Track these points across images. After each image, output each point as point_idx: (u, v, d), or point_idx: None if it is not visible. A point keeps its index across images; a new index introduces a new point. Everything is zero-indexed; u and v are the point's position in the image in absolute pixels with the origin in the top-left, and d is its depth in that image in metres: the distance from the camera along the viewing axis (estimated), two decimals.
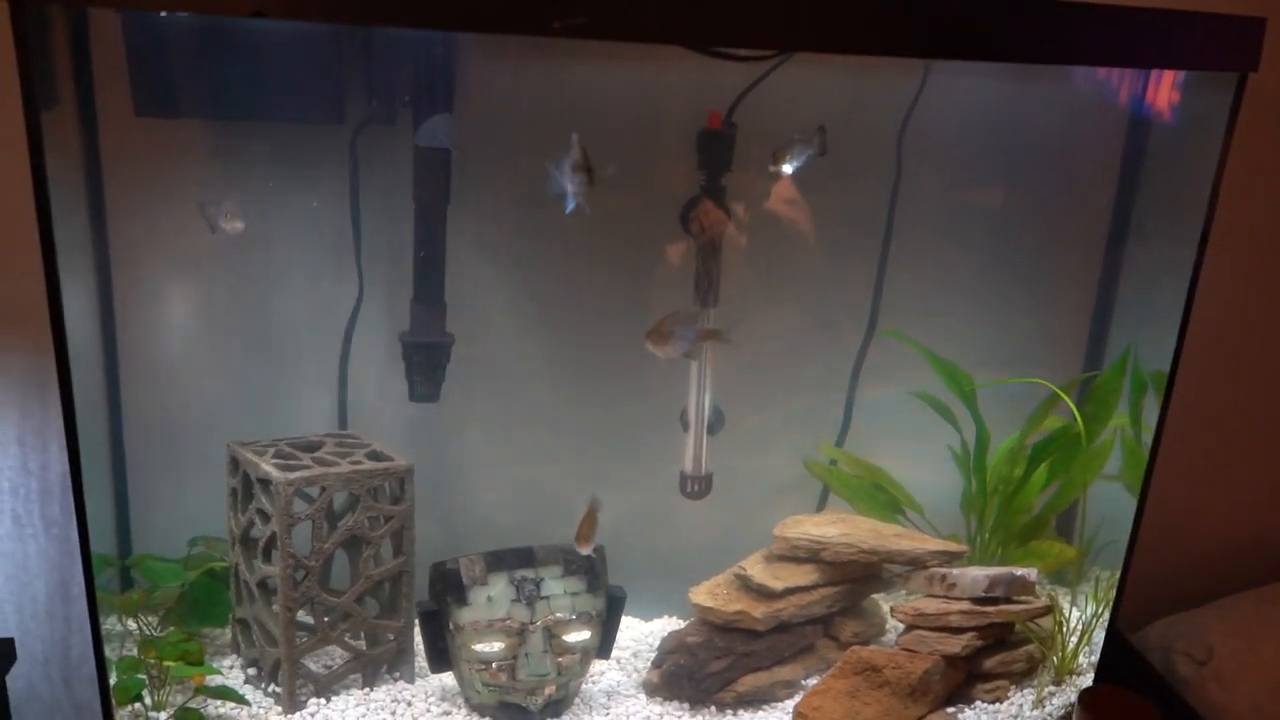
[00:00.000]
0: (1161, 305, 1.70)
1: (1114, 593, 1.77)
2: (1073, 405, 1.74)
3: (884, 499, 1.93)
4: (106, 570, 1.72)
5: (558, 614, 1.63)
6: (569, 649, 1.63)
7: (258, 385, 1.82)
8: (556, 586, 1.65)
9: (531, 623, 1.61)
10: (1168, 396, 1.65)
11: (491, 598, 1.62)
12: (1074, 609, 1.86)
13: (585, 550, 1.61)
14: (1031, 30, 1.39)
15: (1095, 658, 1.81)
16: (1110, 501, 1.86)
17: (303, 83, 1.68)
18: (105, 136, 1.62)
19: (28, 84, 1.22)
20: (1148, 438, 1.71)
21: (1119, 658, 1.86)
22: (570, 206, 1.49)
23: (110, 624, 1.71)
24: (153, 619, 1.72)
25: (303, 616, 1.64)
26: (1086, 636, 1.78)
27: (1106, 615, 1.79)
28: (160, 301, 1.75)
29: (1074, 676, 1.78)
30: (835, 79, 1.81)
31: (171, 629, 1.66)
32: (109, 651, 1.64)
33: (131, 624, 1.72)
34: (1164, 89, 1.74)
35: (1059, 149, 1.88)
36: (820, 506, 2.03)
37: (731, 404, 1.90)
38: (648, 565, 1.95)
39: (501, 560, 1.64)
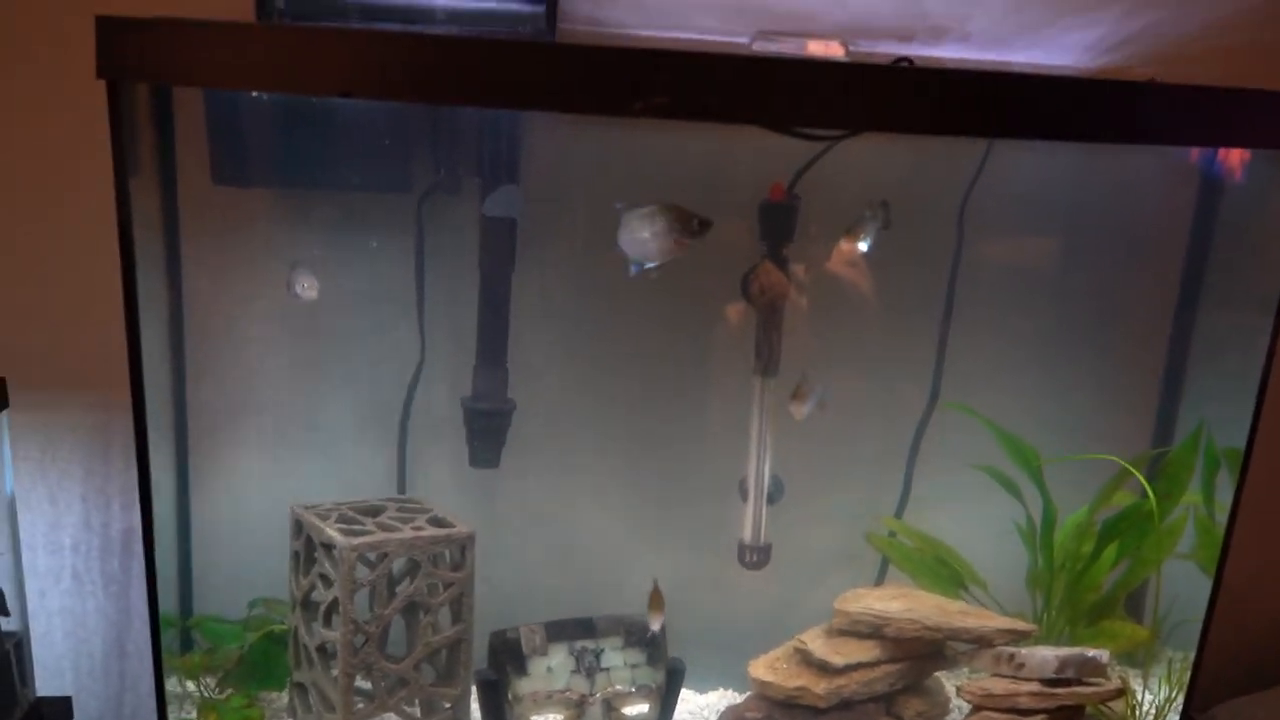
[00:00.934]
0: (1233, 379, 1.67)
1: (1187, 675, 1.72)
2: (1145, 482, 1.71)
3: (946, 573, 1.90)
4: (168, 630, 1.72)
5: (617, 686, 1.62)
6: None
7: (320, 447, 1.84)
8: (617, 658, 1.64)
9: (591, 694, 1.60)
10: (1243, 474, 1.61)
11: (551, 668, 1.61)
12: (1146, 692, 1.80)
13: (657, 624, 1.59)
14: (1095, 109, 1.39)
15: None
16: (1182, 581, 1.81)
17: (371, 153, 1.72)
18: (184, 203, 1.66)
19: (119, 156, 1.26)
20: (1221, 516, 1.67)
21: None
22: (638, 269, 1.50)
23: (170, 685, 1.71)
24: (211, 680, 1.72)
25: (361, 683, 1.64)
26: None
27: (1180, 699, 1.73)
28: (229, 362, 1.78)
29: None
30: (898, 151, 1.82)
31: (231, 692, 1.66)
32: (169, 714, 1.64)
33: (190, 685, 1.73)
34: (1236, 157, 1.73)
35: (1125, 217, 1.86)
36: (880, 579, 2.00)
37: (791, 474, 1.89)
38: (704, 636, 1.92)
39: (562, 630, 1.63)
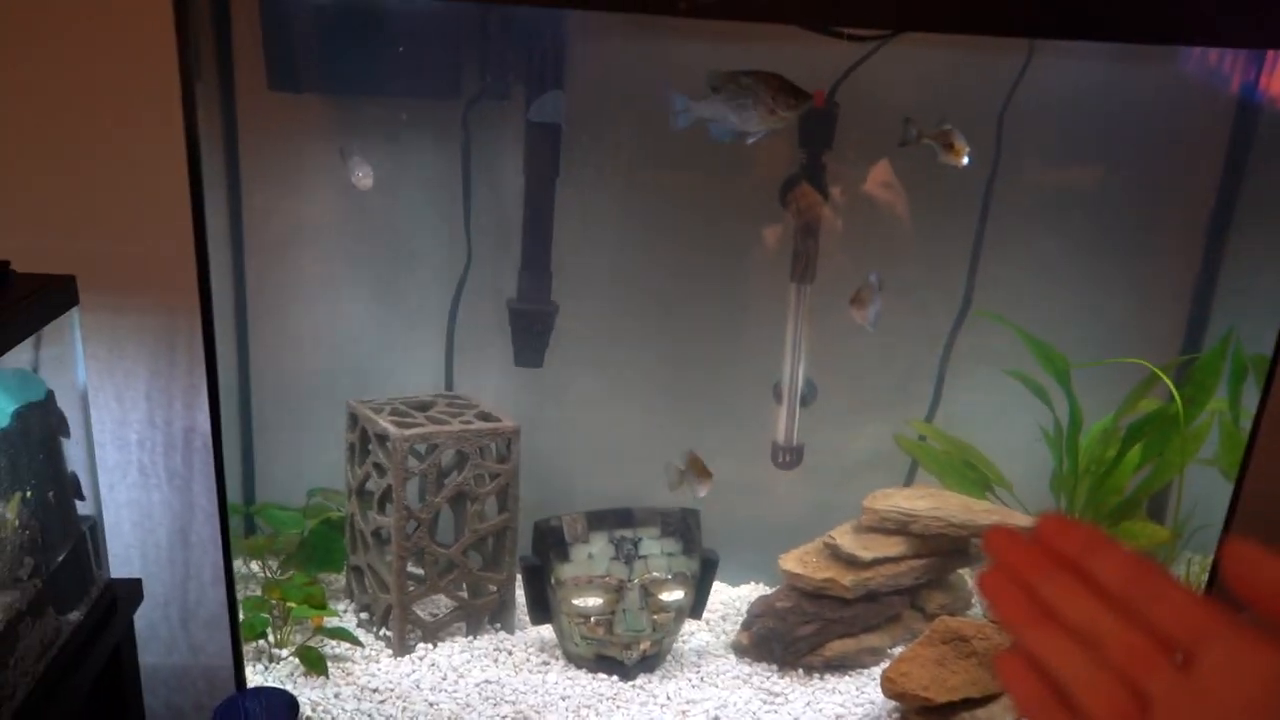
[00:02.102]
0: (1265, 289, 1.69)
1: (1206, 577, 1.78)
2: (1172, 385, 1.75)
3: (973, 476, 1.96)
4: (233, 517, 1.83)
5: (654, 573, 1.70)
6: (664, 607, 1.70)
7: (373, 346, 1.92)
8: (654, 546, 1.72)
9: (629, 580, 1.69)
10: (1269, 381, 1.64)
11: (592, 555, 1.70)
12: None
13: (704, 490, 1.65)
14: (1140, 8, 1.39)
15: None
16: (1206, 486, 1.86)
17: (421, 59, 1.75)
18: (242, 109, 1.72)
19: (185, 62, 1.32)
20: (1246, 423, 1.70)
21: None
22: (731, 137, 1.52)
23: (236, 566, 1.83)
24: (274, 563, 1.84)
25: (412, 567, 1.74)
26: None
27: None
28: (286, 266, 1.85)
29: None
30: (938, 59, 1.83)
31: (293, 573, 1.77)
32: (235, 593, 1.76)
33: (255, 567, 1.84)
34: (1274, 74, 1.72)
35: (1163, 130, 1.87)
36: (909, 481, 2.06)
37: (825, 378, 1.94)
38: (737, 533, 2.00)
39: (602, 520, 1.72)
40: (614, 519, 1.72)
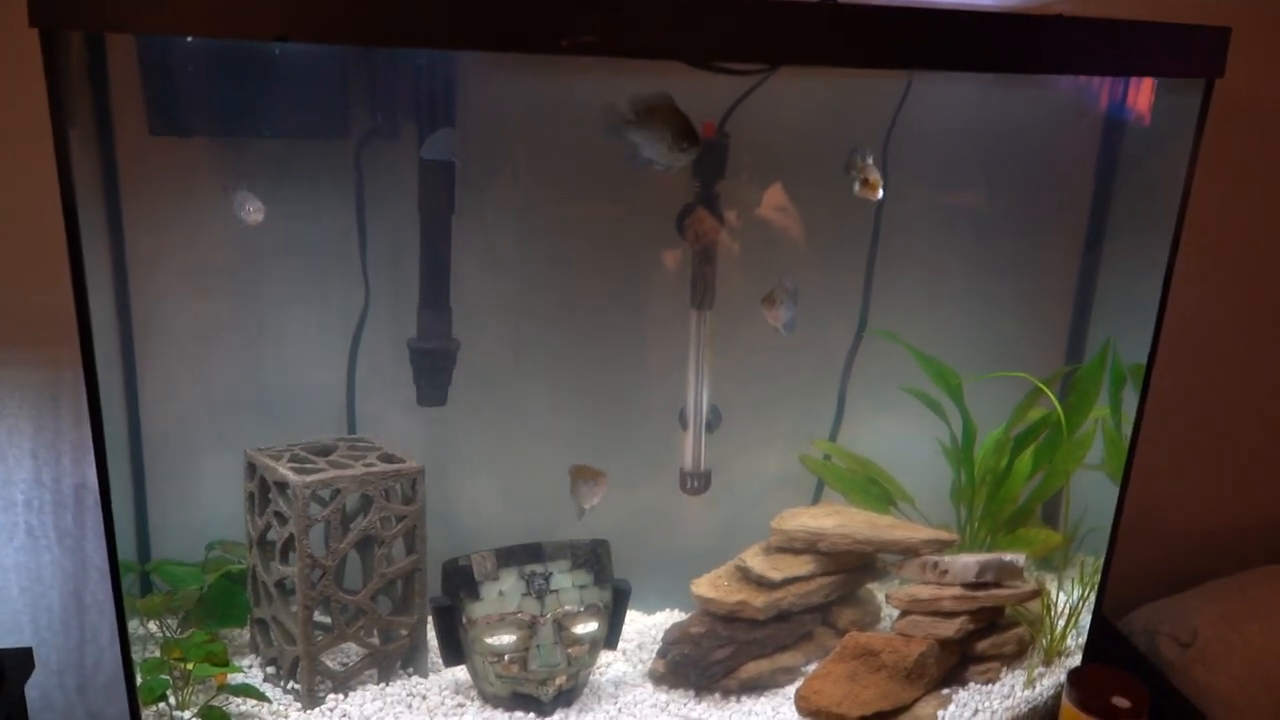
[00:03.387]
0: (1138, 300, 1.77)
1: (1099, 577, 1.84)
2: (1053, 396, 1.82)
3: (877, 491, 2.00)
4: (127, 576, 1.77)
5: (567, 606, 1.70)
6: (578, 640, 1.69)
7: (269, 392, 1.88)
8: (565, 580, 1.72)
9: (542, 615, 1.68)
10: (1145, 387, 1.73)
11: (503, 592, 1.68)
12: (1061, 593, 1.93)
13: (594, 499, 1.65)
14: (1009, 41, 1.47)
15: (1083, 640, 1.88)
16: (1094, 490, 1.94)
17: (309, 99, 1.73)
18: (122, 155, 1.67)
19: (57, 107, 1.28)
20: (1128, 428, 1.78)
21: (1105, 641, 1.93)
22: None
23: (133, 627, 1.76)
24: (172, 622, 1.77)
25: (320, 616, 1.70)
26: (1074, 619, 1.86)
27: (1093, 599, 1.86)
28: (175, 312, 1.80)
29: (1062, 658, 1.86)
30: (823, 87, 1.89)
31: (193, 630, 1.71)
32: (133, 655, 1.69)
33: (153, 627, 1.78)
34: (1139, 93, 1.82)
35: (1038, 151, 1.95)
36: (816, 500, 2.10)
37: (728, 403, 1.97)
38: (650, 561, 2.01)
39: (511, 556, 1.70)
40: (523, 554, 1.71)
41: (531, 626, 1.67)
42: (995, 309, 2.01)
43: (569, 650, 1.68)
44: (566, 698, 1.71)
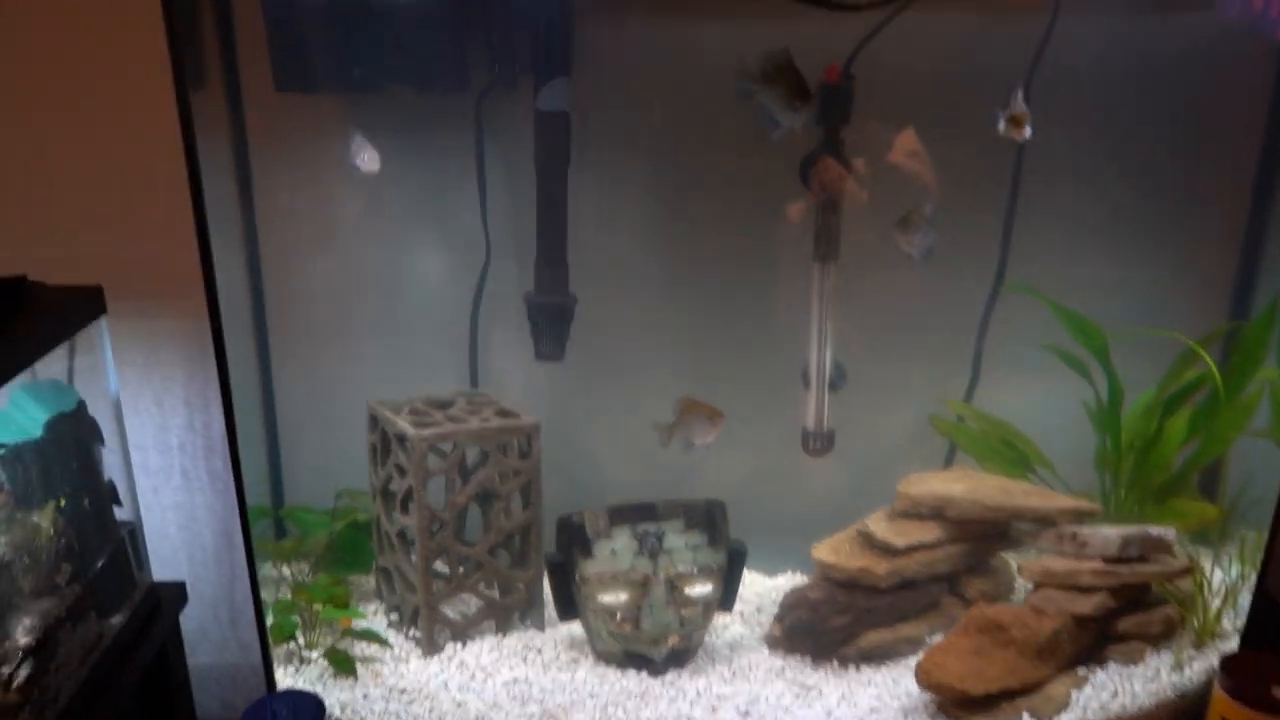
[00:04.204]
0: None
1: (1262, 554, 1.69)
2: (1207, 357, 1.66)
3: (1013, 455, 1.89)
4: (262, 520, 1.85)
5: (680, 567, 1.67)
6: (691, 601, 1.67)
7: (395, 346, 1.91)
8: (678, 540, 1.69)
9: (654, 575, 1.66)
10: None
11: (615, 550, 1.67)
12: (1218, 570, 1.78)
13: (710, 436, 1.60)
14: None
15: (1241, 623, 1.73)
16: (1260, 458, 1.77)
17: (428, 52, 1.73)
18: (250, 112, 1.71)
19: (178, 66, 1.31)
20: None
21: (1270, 623, 1.77)
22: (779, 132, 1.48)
23: (267, 570, 1.84)
24: (304, 566, 1.84)
25: (441, 566, 1.73)
26: (1231, 599, 1.71)
27: (1253, 578, 1.71)
28: (304, 268, 1.85)
29: (1217, 641, 1.71)
30: (957, 24, 1.76)
31: (320, 575, 1.77)
32: (267, 595, 1.77)
33: (286, 570, 1.85)
34: None
35: (1202, 82, 1.77)
36: (948, 463, 2.00)
37: (856, 361, 1.89)
38: (773, 522, 1.96)
39: (624, 514, 1.69)
40: (636, 513, 1.69)
41: (644, 585, 1.65)
42: (1149, 260, 1.85)
43: (682, 611, 1.66)
44: (679, 658, 1.70)
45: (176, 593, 1.64)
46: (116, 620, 1.47)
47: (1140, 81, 1.77)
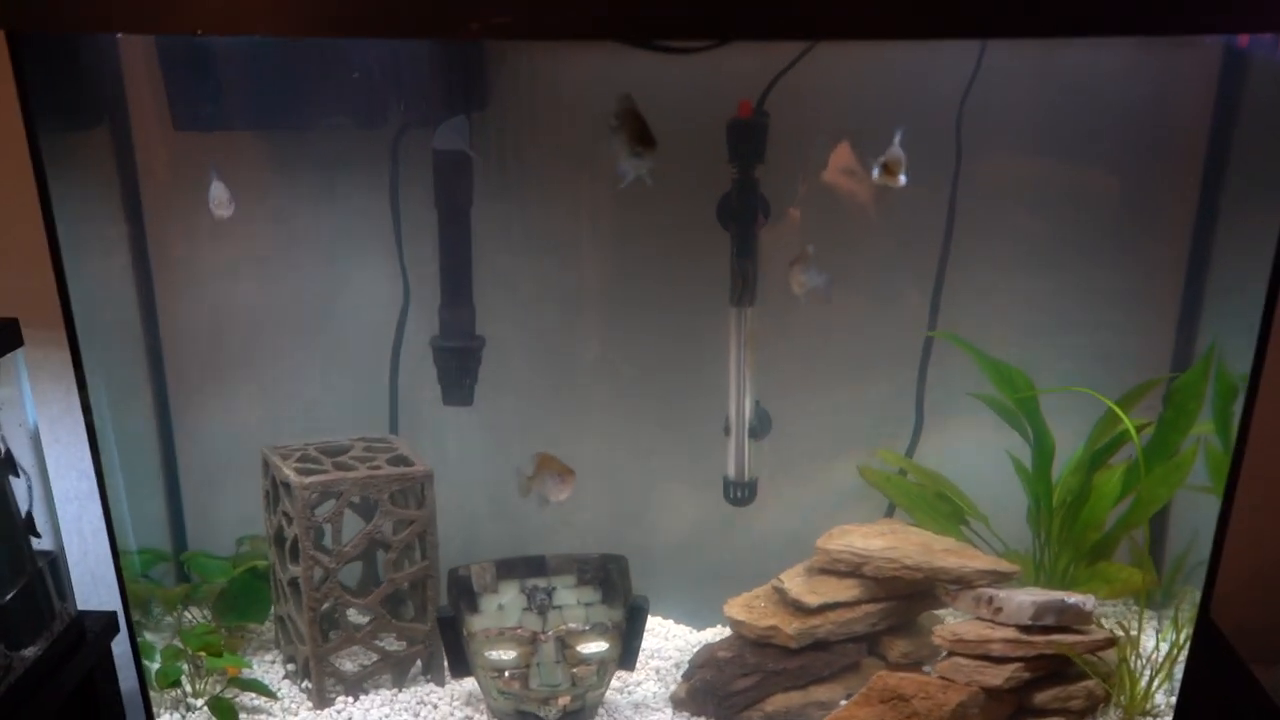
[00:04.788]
0: (1255, 298, 1.48)
1: (1195, 624, 1.57)
2: (1123, 415, 1.55)
3: (947, 509, 1.79)
4: (158, 564, 1.81)
5: (570, 624, 1.60)
6: (583, 659, 1.59)
7: (314, 390, 1.87)
8: (569, 596, 1.62)
9: (543, 632, 1.58)
10: (1251, 398, 1.44)
11: (503, 605, 1.60)
12: (1156, 635, 1.66)
13: (562, 494, 1.54)
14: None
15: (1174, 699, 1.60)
16: (1207, 514, 1.65)
17: (340, 90, 1.70)
18: (144, 152, 1.69)
19: (25, 107, 1.29)
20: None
21: (1238, 697, 1.62)
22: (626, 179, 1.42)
23: (163, 614, 1.80)
24: (202, 612, 1.80)
25: (354, 617, 1.68)
26: (1166, 671, 1.59)
27: (1185, 648, 1.58)
28: (209, 307, 1.81)
29: (1148, 719, 1.59)
30: (881, 56, 1.68)
31: (200, 623, 1.73)
32: (163, 640, 1.73)
33: (189, 614, 1.81)
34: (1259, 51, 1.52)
35: (1140, 123, 1.67)
36: (890, 515, 1.90)
37: (786, 407, 1.81)
38: (701, 574, 1.89)
39: (513, 568, 1.62)
40: (525, 567, 1.62)
41: (532, 643, 1.58)
42: (1090, 308, 1.75)
43: (574, 670, 1.59)
44: (574, 718, 1.62)
45: (107, 621, 1.60)
46: (30, 652, 1.46)
47: (1077, 117, 1.67)
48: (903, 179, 1.49)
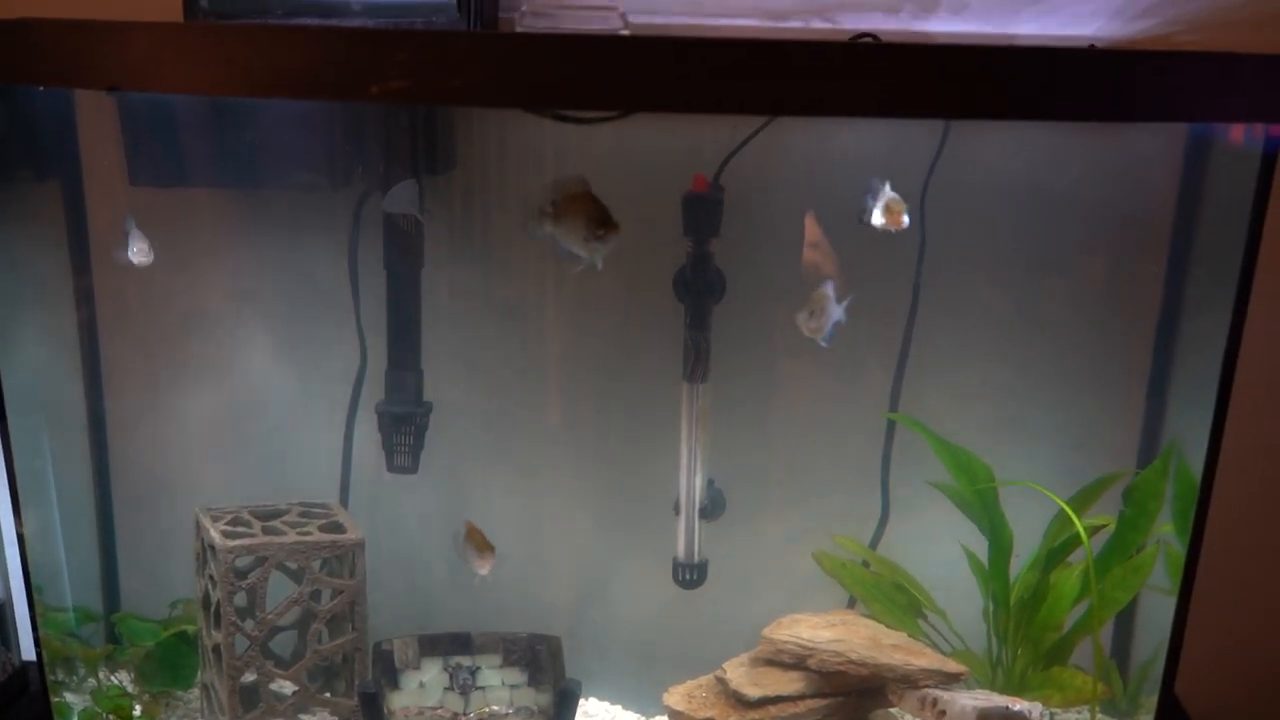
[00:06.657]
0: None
1: None
2: (1072, 514, 1.48)
3: (904, 601, 1.71)
4: (87, 625, 1.77)
5: (494, 706, 1.53)
6: None
7: (264, 452, 1.83)
8: (494, 677, 1.56)
9: (465, 713, 1.52)
10: (1204, 498, 1.37)
11: (424, 683, 1.55)
12: None
13: (484, 569, 1.48)
14: (1069, 83, 1.18)
15: None
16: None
17: (303, 152, 1.69)
18: (97, 206, 1.69)
19: None
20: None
21: None
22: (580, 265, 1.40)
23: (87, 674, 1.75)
24: (130, 676, 1.75)
25: (287, 686, 1.63)
26: None
27: None
28: (159, 367, 1.80)
29: None
30: (842, 133, 1.66)
31: (112, 685, 1.68)
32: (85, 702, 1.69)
33: (120, 677, 1.76)
34: (1224, 141, 1.47)
35: (1109, 210, 1.63)
36: (852, 603, 1.83)
37: (744, 487, 1.75)
38: (653, 657, 1.81)
39: (437, 644, 1.57)
40: (450, 644, 1.57)
41: None
42: (1057, 396, 1.69)
43: None
44: None
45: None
46: None
47: (1040, 204, 1.64)
48: (905, 220, 1.44)
